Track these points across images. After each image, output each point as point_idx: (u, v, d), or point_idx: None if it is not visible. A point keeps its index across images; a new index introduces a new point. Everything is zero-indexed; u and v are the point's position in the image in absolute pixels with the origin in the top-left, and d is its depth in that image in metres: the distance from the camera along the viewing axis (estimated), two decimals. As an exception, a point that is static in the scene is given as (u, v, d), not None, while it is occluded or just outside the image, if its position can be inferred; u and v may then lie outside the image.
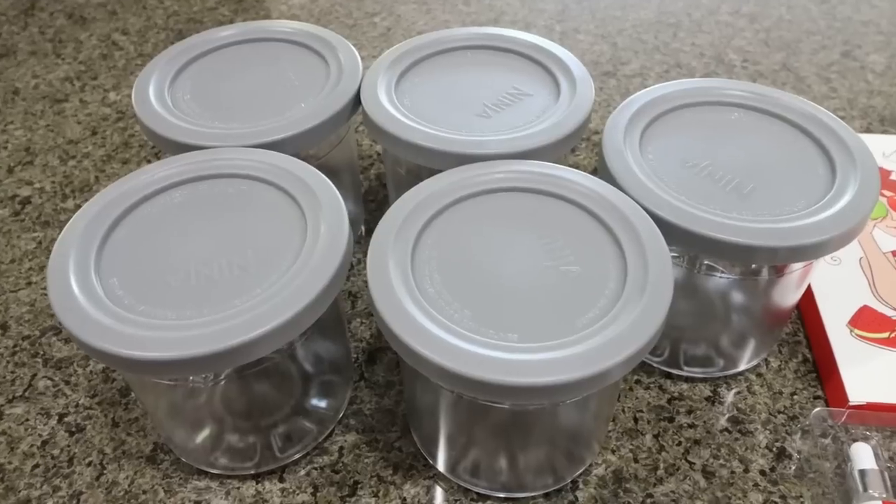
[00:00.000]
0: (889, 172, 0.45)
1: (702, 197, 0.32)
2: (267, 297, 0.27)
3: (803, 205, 0.31)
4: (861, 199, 0.31)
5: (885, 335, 0.36)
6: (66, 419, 0.36)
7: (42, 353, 0.39)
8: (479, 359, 0.25)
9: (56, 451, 0.34)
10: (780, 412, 0.36)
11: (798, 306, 0.40)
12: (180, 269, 0.29)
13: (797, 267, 0.33)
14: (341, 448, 0.34)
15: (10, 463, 0.34)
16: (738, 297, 0.35)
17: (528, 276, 0.29)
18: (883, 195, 0.44)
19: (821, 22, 0.66)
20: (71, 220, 0.30)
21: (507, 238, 0.30)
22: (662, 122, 0.36)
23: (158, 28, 0.68)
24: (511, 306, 0.27)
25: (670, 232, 0.30)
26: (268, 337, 0.27)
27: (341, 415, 0.36)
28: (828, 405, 0.36)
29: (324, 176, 0.32)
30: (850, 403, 0.34)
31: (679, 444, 0.35)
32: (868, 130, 0.53)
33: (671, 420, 0.35)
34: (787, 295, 0.35)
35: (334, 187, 0.32)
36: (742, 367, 0.37)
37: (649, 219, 0.30)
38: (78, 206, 0.48)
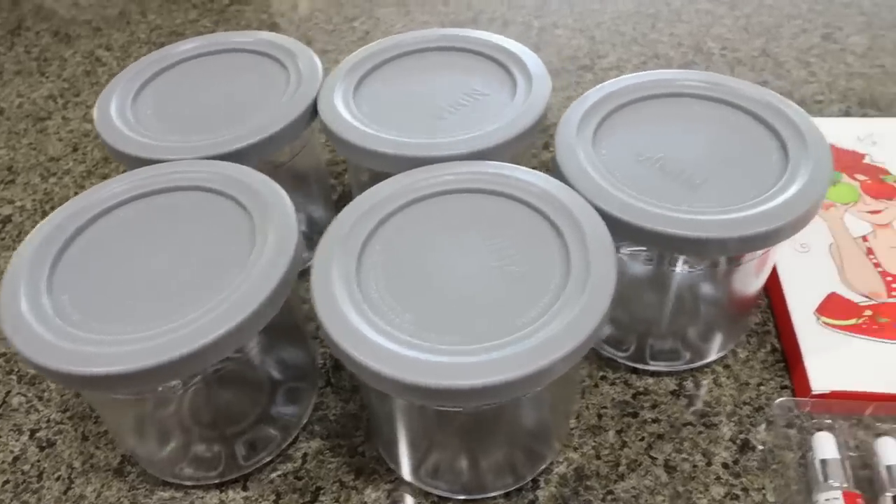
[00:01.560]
0: (862, 156, 0.45)
1: (653, 191, 0.31)
2: (212, 306, 0.28)
3: (755, 194, 0.31)
4: (812, 186, 0.31)
5: (852, 322, 0.36)
6: (37, 434, 0.36)
7: (16, 369, 0.39)
8: (415, 363, 0.25)
9: (26, 467, 0.35)
10: (745, 403, 0.35)
11: (768, 295, 0.40)
12: (131, 284, 0.29)
13: (753, 255, 0.33)
14: (305, 454, 0.35)
15: (-17, 479, 0.35)
16: (698, 288, 0.35)
17: (472, 278, 0.29)
18: (856, 179, 0.43)
19: (802, 5, 0.65)
20: (24, 241, 0.31)
21: (455, 240, 0.30)
22: (618, 117, 0.36)
23: (141, 42, 0.69)
24: (453, 309, 0.27)
25: (619, 227, 0.30)
26: (213, 347, 0.27)
27: (305, 421, 0.36)
28: (794, 395, 0.35)
29: (275, 184, 0.33)
30: (814, 392, 0.34)
31: (642, 439, 0.34)
32: (847, 114, 0.52)
33: (635, 415, 0.35)
34: (748, 284, 0.35)
35: (284, 195, 0.32)
36: (709, 359, 0.37)
37: (595, 214, 0.30)
38: (57, 223, 0.49)
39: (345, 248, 0.30)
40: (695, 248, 0.30)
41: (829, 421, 0.33)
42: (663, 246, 0.30)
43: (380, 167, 0.35)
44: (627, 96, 0.36)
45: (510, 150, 0.35)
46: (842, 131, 0.47)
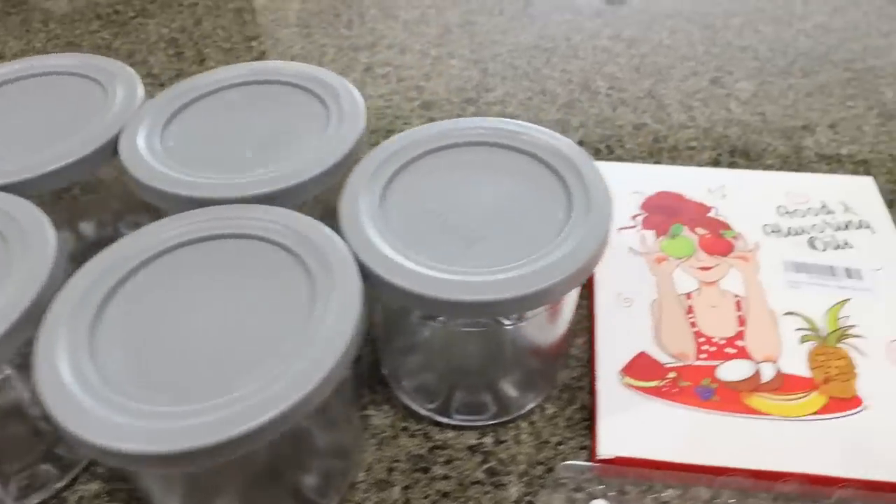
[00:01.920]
0: (708, 209, 0.44)
1: (426, 248, 0.30)
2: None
3: (530, 251, 0.30)
4: (586, 243, 0.29)
5: (654, 384, 0.35)
6: None
7: None
8: (124, 430, 0.24)
9: None
10: (540, 463, 0.34)
11: (591, 349, 0.39)
12: None
13: (535, 312, 0.32)
14: (81, 497, 0.34)
15: None
16: (490, 344, 0.34)
17: (210, 334, 0.27)
18: (695, 233, 0.43)
19: (699, 47, 0.64)
20: None
21: (204, 293, 0.29)
22: (417, 166, 0.34)
23: (36, 52, 0.68)
24: (178, 369, 0.26)
25: (382, 286, 0.29)
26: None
27: (88, 461, 0.35)
28: (592, 457, 0.34)
29: (39, 212, 0.32)
30: (599, 457, 0.33)
31: (427, 496, 0.33)
32: (716, 162, 0.52)
33: (426, 471, 0.34)
34: (541, 337, 0.34)
35: (45, 222, 0.31)
36: (514, 413, 0.36)
37: (354, 268, 0.29)
38: None
39: (80, 305, 0.28)
40: (456, 310, 0.29)
41: (603, 487, 0.32)
42: (426, 308, 0.29)
43: (165, 207, 0.34)
44: (427, 145, 0.35)
45: (312, 189, 0.34)
46: (695, 181, 0.46)
